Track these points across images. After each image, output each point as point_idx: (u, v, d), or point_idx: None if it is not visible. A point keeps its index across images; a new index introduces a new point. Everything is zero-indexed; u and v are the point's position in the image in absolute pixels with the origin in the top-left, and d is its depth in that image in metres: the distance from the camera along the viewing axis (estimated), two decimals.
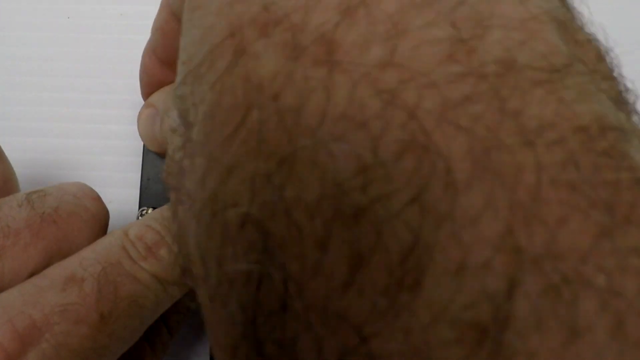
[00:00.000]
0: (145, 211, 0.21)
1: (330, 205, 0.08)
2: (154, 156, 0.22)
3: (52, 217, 0.16)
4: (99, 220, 0.17)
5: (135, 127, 0.24)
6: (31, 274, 0.15)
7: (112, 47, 0.26)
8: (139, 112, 0.21)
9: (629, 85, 0.12)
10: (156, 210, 0.18)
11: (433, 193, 0.08)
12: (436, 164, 0.08)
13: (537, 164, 0.08)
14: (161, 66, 0.19)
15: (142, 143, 0.22)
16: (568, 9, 0.11)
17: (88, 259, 0.15)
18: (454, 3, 0.09)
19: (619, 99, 0.10)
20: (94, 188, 0.24)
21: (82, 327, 0.14)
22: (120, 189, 0.24)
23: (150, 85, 0.20)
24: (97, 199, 0.18)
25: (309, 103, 0.09)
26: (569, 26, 0.10)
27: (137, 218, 0.21)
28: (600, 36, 0.11)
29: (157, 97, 0.20)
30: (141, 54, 0.25)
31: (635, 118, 0.10)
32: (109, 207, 0.24)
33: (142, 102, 0.21)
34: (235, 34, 0.10)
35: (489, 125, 0.08)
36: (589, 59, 0.10)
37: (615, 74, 0.10)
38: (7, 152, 0.21)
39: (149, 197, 0.22)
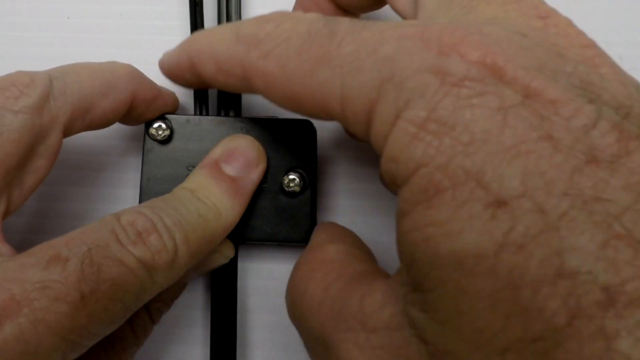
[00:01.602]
0: None
1: None
2: (154, 156, 0.22)
3: None
4: None
5: (135, 128, 0.24)
6: None
7: (112, 47, 0.26)
8: None
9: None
10: (151, 199, 0.18)
11: None
12: None
13: None
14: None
15: (142, 143, 0.22)
16: None
17: (75, 239, 0.16)
18: None
19: None
20: (94, 188, 0.24)
21: (61, 305, 0.14)
22: (120, 189, 0.24)
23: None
24: None
25: None
26: None
27: None
28: None
29: None
30: (141, 53, 0.25)
31: None
32: (109, 207, 0.24)
33: None
34: None
35: None
36: None
37: None
38: None
39: (149, 197, 0.21)
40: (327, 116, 0.15)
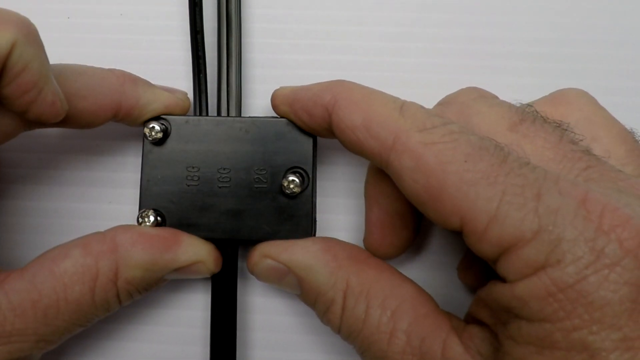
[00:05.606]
0: (145, 212, 0.21)
1: None
2: (154, 157, 0.22)
3: None
4: None
5: (135, 128, 0.24)
6: None
7: (112, 47, 0.26)
8: (253, 257, 0.21)
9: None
10: None
11: None
12: None
13: None
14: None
15: (142, 143, 0.22)
16: None
17: None
18: None
19: None
20: (94, 188, 0.24)
21: None
22: (120, 189, 0.24)
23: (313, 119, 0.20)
24: None
25: None
26: None
27: (137, 219, 0.21)
28: None
29: (275, 250, 0.20)
30: (141, 53, 0.25)
31: None
32: (109, 207, 0.24)
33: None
34: None
35: None
36: None
37: None
38: (6, 151, 0.21)
39: (149, 197, 0.22)
40: (457, 221, 0.16)
